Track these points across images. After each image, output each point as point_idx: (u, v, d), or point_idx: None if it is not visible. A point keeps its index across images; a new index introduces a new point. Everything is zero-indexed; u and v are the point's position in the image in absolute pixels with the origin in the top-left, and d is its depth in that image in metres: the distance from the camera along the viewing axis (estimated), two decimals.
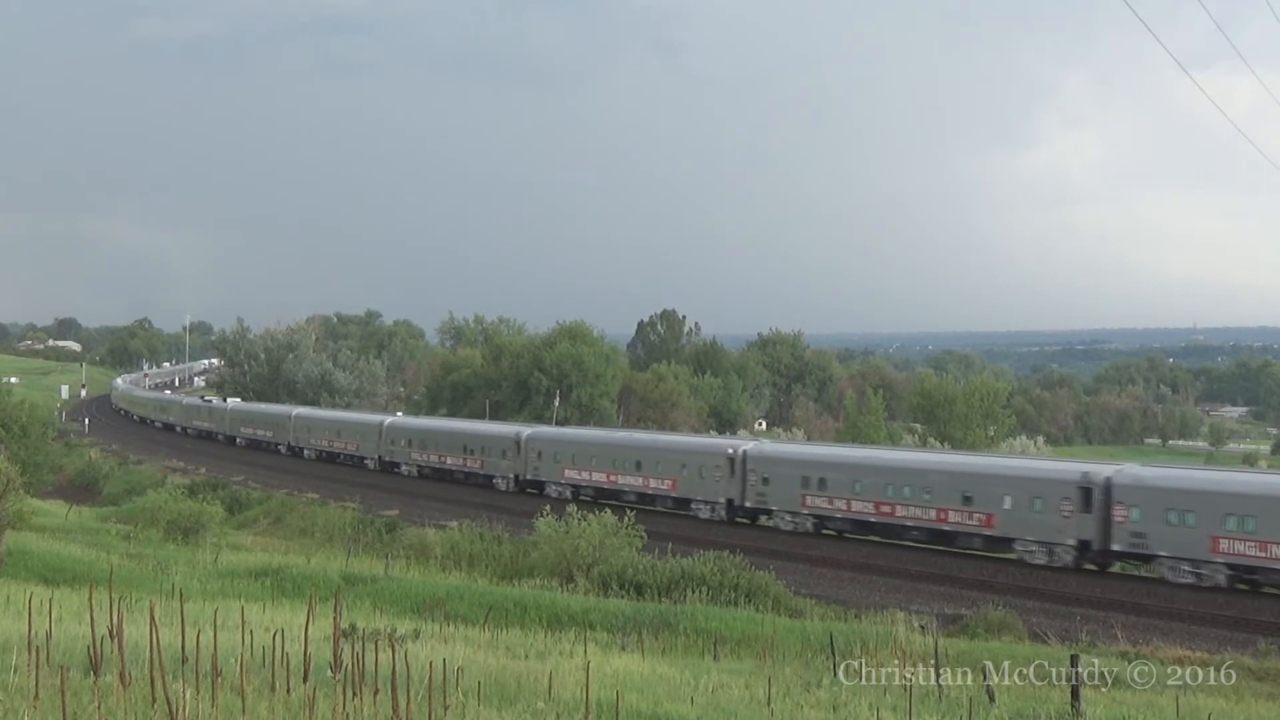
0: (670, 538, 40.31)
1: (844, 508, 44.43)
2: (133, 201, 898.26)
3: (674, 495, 50.46)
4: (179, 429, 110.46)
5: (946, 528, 41.52)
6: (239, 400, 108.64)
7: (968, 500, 40.88)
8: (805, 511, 45.52)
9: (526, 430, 62.08)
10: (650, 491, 51.49)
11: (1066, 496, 38.57)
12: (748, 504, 47.81)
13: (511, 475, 59.62)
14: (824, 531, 45.37)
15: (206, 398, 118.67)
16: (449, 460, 65.16)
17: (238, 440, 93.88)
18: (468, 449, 63.87)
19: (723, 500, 48.35)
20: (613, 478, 53.70)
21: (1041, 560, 38.81)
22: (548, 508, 37.11)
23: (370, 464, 72.55)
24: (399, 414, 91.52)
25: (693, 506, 49.36)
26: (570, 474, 55.95)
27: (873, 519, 43.66)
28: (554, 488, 56.33)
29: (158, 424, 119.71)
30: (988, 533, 40.40)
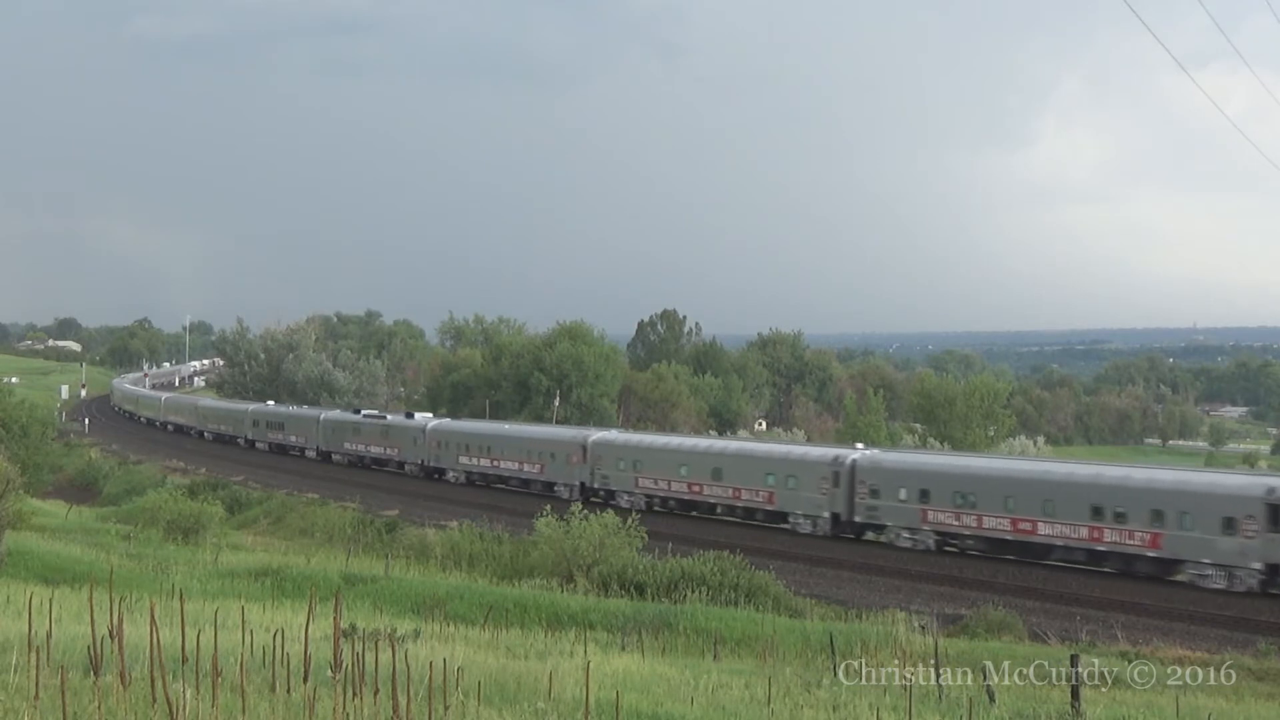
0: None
1: (665, 488, 51.79)
2: (132, 201, 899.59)
3: (542, 479, 58.37)
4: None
5: (740, 504, 48.58)
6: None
7: (752, 482, 47.78)
8: (638, 491, 52.54)
9: (431, 422, 70.27)
10: (525, 476, 59.90)
11: (823, 477, 45.11)
12: (596, 486, 54.79)
13: (419, 461, 67.86)
14: (654, 509, 50.80)
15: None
16: (372, 448, 73.84)
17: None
18: (387, 439, 72.39)
19: (577, 483, 55.72)
20: (496, 464, 62.12)
21: (807, 530, 45.11)
22: (549, 506, 37.17)
23: (310, 454, 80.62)
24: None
25: (556, 489, 56.32)
26: (464, 460, 64.31)
27: (687, 498, 51.03)
28: (452, 473, 64.79)
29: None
30: (769, 508, 47.27)
